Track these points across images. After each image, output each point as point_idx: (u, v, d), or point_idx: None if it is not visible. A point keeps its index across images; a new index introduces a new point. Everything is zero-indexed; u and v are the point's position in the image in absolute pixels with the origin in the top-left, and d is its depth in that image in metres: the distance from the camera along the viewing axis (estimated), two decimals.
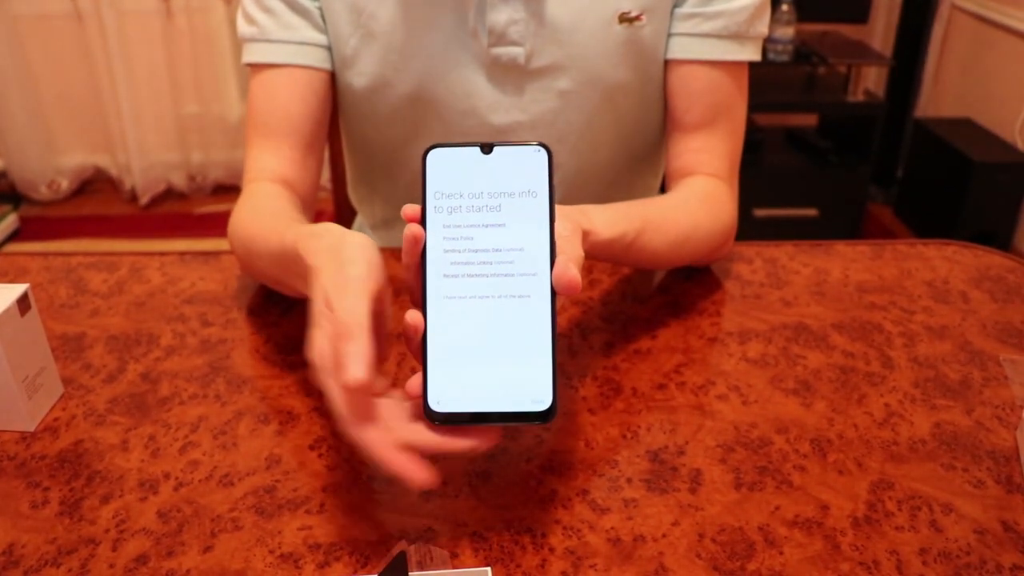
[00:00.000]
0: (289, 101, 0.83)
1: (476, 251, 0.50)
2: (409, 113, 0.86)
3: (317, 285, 0.52)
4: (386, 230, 1.06)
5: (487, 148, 0.52)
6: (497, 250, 0.50)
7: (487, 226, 0.51)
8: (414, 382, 0.50)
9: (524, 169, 0.51)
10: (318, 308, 0.51)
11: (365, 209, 1.09)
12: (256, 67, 0.84)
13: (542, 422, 0.49)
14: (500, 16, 0.80)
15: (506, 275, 0.50)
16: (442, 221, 0.51)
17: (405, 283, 0.53)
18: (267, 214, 0.75)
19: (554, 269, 0.50)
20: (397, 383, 0.69)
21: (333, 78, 0.87)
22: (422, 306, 0.50)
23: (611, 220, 0.65)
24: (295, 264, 0.58)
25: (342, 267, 0.51)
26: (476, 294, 0.50)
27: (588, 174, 0.91)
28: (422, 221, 0.51)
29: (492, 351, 0.50)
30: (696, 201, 0.80)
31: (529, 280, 0.50)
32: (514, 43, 0.81)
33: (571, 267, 0.50)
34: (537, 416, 0.49)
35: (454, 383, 0.49)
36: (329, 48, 0.84)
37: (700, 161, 0.85)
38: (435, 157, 0.52)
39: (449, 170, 0.52)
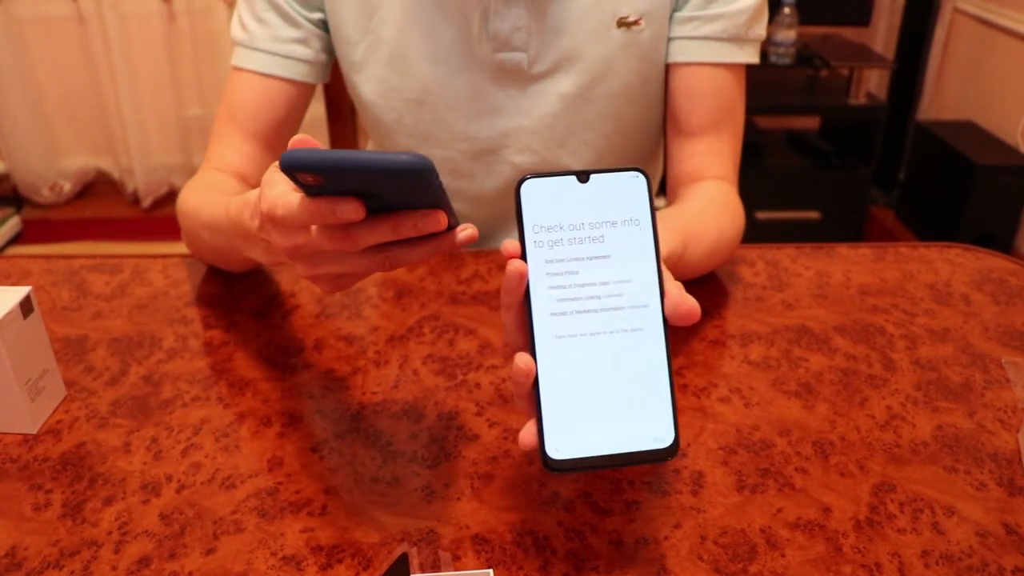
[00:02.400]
0: (264, 106, 0.86)
1: (583, 286, 0.47)
2: (415, 119, 0.87)
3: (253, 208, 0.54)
4: None
5: (583, 176, 0.49)
6: (604, 283, 0.48)
7: (592, 258, 0.48)
8: (528, 432, 0.47)
9: (624, 196, 0.49)
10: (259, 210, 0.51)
11: None
12: (240, 69, 0.87)
13: (664, 460, 0.47)
14: (504, 23, 0.80)
15: (616, 308, 0.48)
16: (544, 256, 0.48)
17: (501, 326, 0.50)
18: (215, 190, 0.78)
19: (669, 299, 0.48)
20: (399, 384, 0.69)
21: (312, 90, 0.91)
22: (530, 348, 0.47)
23: (663, 239, 0.64)
24: (237, 225, 0.59)
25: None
26: (587, 331, 0.47)
27: None
28: (522, 257, 0.48)
29: (608, 390, 0.47)
30: (715, 208, 0.81)
31: (640, 312, 0.48)
32: (518, 48, 0.82)
33: (687, 295, 0.48)
34: (660, 454, 0.46)
35: (572, 428, 0.46)
36: (313, 63, 0.87)
37: (707, 164, 0.85)
38: (529, 188, 0.48)
39: (546, 201, 0.48)
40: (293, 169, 0.43)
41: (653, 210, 0.49)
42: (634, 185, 0.49)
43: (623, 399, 0.47)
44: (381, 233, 0.49)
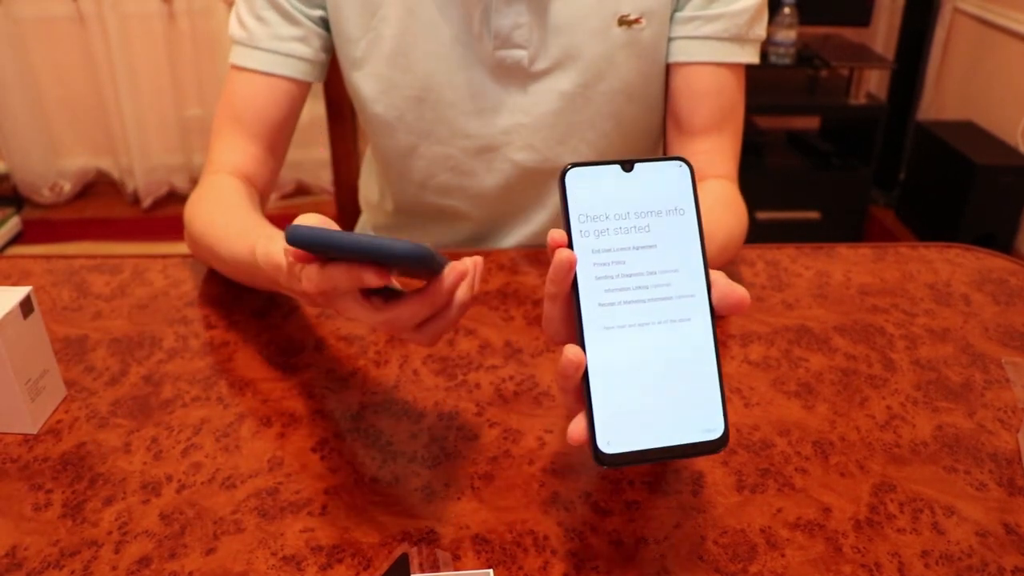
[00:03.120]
0: (265, 105, 0.86)
1: (630, 276, 0.47)
2: (415, 116, 0.87)
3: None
4: (390, 232, 1.07)
5: (628, 165, 0.48)
6: (652, 273, 0.47)
7: (638, 248, 0.47)
8: (577, 426, 0.46)
9: (668, 185, 0.48)
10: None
11: (374, 210, 1.10)
12: (239, 67, 0.87)
13: (715, 451, 0.46)
14: (505, 20, 0.81)
15: (664, 299, 0.47)
16: (590, 246, 0.47)
17: (542, 315, 0.49)
18: (226, 210, 0.78)
19: (717, 288, 0.47)
20: (399, 384, 0.69)
21: (308, 89, 0.90)
22: (577, 340, 0.46)
23: None
24: (272, 281, 0.61)
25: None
26: (635, 322, 0.46)
27: None
28: (568, 247, 0.47)
29: (658, 382, 0.46)
30: (721, 208, 0.81)
31: (687, 302, 0.47)
32: (518, 46, 0.82)
33: (735, 284, 0.47)
34: (711, 446, 0.46)
35: (623, 420, 0.45)
36: (312, 62, 0.87)
37: (709, 163, 0.85)
38: (574, 177, 0.47)
39: (590, 191, 0.47)
40: (301, 246, 0.48)
41: (697, 199, 0.48)
42: (678, 174, 0.48)
43: (673, 390, 0.46)
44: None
